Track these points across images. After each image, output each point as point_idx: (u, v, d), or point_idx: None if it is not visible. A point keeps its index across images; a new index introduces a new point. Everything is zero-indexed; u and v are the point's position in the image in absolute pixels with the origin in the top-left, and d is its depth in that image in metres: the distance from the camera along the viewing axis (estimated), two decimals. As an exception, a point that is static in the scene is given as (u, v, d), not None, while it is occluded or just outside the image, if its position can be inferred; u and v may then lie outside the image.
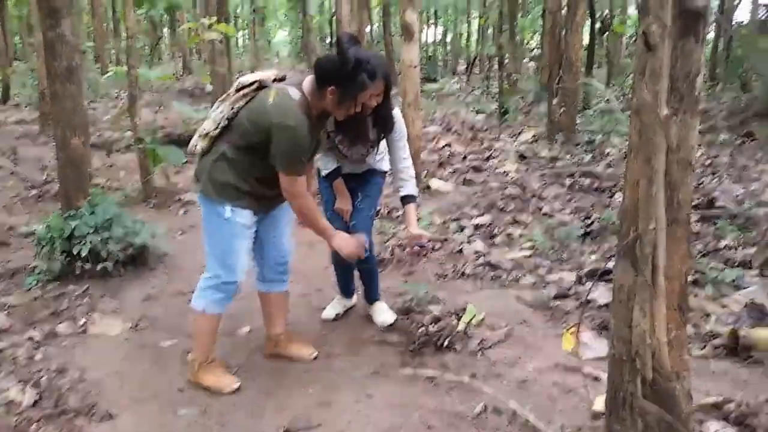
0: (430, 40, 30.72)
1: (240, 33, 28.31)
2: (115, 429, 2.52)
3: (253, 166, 2.60)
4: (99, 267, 3.85)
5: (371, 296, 3.51)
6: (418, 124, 5.96)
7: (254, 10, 20.60)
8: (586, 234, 4.71)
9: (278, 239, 2.93)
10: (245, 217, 2.67)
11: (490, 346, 3.15)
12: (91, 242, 3.81)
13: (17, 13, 20.82)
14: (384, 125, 2.97)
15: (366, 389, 2.80)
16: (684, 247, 2.04)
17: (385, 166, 3.31)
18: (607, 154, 7.75)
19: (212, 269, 2.70)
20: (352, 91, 2.49)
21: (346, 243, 2.74)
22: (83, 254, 3.78)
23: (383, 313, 3.45)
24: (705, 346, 3.11)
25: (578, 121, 8.75)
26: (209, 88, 11.80)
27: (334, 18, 15.10)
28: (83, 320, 3.37)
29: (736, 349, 3.07)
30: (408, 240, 3.17)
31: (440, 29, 31.23)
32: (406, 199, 3.16)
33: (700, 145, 8.20)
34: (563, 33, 8.17)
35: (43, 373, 2.85)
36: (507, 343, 3.21)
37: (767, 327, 3.22)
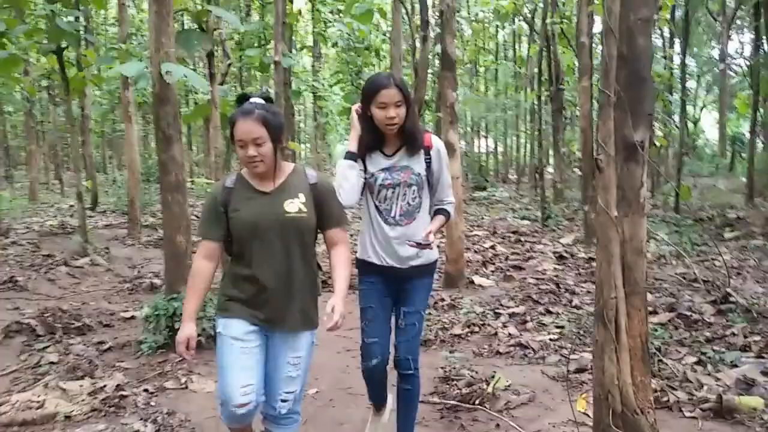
0: (483, 150, 32.18)
1: (304, 146, 30.37)
2: (214, 455, 3.29)
3: (231, 255, 2.63)
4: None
5: (404, 429, 3.05)
6: (461, 226, 6.80)
7: (316, 126, 22.40)
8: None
9: (273, 375, 2.58)
10: (236, 327, 2.51)
11: (514, 407, 3.81)
12: (189, 320, 4.70)
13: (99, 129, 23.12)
14: (410, 139, 2.82)
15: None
16: (642, 312, 2.76)
17: (434, 252, 2.94)
18: (641, 256, 8.38)
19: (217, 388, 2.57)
20: (364, 106, 2.77)
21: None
22: (183, 329, 4.66)
23: None
24: (695, 409, 3.71)
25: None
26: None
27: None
28: (184, 379, 4.20)
29: (722, 412, 3.66)
30: (423, 237, 2.78)
31: (491, 141, 32.72)
32: (438, 211, 2.95)
33: (730, 249, 8.76)
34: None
35: (157, 415, 3.66)
36: (529, 405, 3.86)
37: (752, 396, 3.81)
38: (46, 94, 20.51)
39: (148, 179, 15.37)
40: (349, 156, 2.85)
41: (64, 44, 8.24)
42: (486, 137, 31.69)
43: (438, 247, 3.01)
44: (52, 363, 4.57)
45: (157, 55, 4.81)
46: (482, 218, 12.64)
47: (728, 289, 5.86)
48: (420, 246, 2.78)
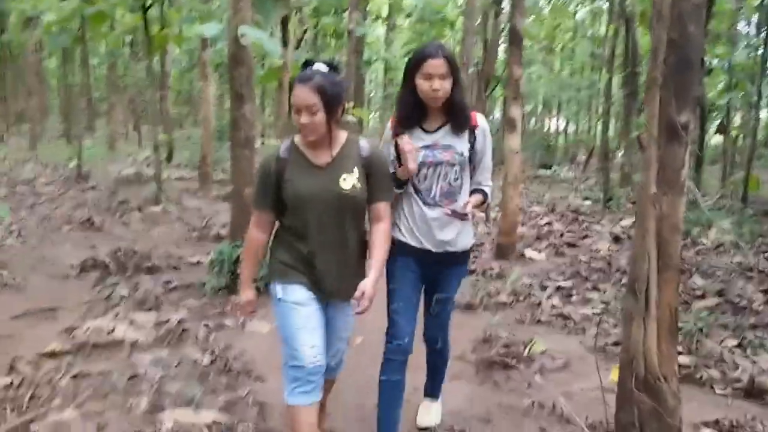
0: (552, 129, 31.75)
1: (373, 114, 30.60)
2: (264, 386, 3.59)
3: (282, 223, 2.64)
4: (254, 284, 5.03)
5: (430, 390, 3.27)
6: (516, 200, 6.91)
7: (386, 97, 22.57)
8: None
9: (328, 335, 2.67)
10: (297, 293, 2.53)
11: (548, 371, 3.98)
12: (249, 266, 5.03)
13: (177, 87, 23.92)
14: (456, 116, 2.71)
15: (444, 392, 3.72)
16: (673, 286, 2.87)
17: (469, 238, 2.87)
18: (701, 243, 8.30)
19: (284, 356, 2.55)
20: (409, 77, 2.66)
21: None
22: (243, 274, 5.00)
23: (431, 413, 3.25)
24: (726, 387, 3.79)
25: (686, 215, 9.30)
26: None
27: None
28: (242, 319, 4.53)
29: (752, 392, 3.73)
30: (462, 206, 2.71)
31: (563, 120, 32.23)
32: (476, 191, 2.82)
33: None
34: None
35: (215, 347, 4.00)
36: (563, 370, 4.02)
37: (788, 381, 3.86)
38: (128, 50, 21.39)
39: (221, 137, 15.86)
40: (397, 185, 2.72)
41: (149, 2, 8.65)
42: (557, 117, 31.27)
43: (481, 225, 3.00)
44: (123, 296, 4.99)
45: (235, 17, 5.09)
46: (543, 196, 12.62)
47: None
48: (456, 215, 2.68)
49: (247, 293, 2.69)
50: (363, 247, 2.67)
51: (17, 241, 6.61)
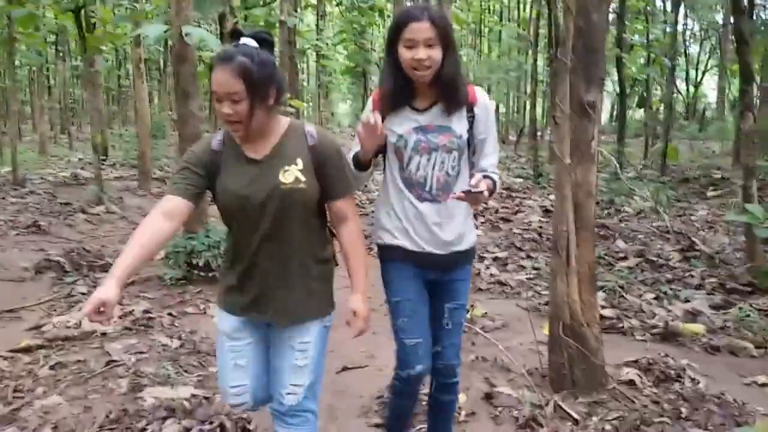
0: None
1: (306, 104, 30.69)
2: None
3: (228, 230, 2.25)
4: (210, 274, 5.30)
5: None
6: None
7: (319, 85, 22.75)
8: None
9: (276, 364, 2.22)
10: (226, 322, 2.21)
11: (489, 330, 4.40)
12: (205, 256, 5.28)
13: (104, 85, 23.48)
14: (448, 91, 2.24)
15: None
16: (590, 243, 3.32)
17: (473, 231, 2.47)
18: (624, 211, 8.94)
19: None
20: (390, 45, 2.24)
21: None
22: (200, 264, 5.25)
23: None
24: (645, 334, 4.30)
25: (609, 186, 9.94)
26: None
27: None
28: (203, 306, 4.80)
29: (667, 335, 4.25)
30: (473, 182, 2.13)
31: (493, 102, 33.04)
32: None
33: (710, 207, 9.31)
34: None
35: (181, 333, 4.26)
36: (502, 329, 4.46)
37: (696, 324, 4.40)
38: (51, 50, 20.86)
39: (154, 135, 15.79)
40: (357, 165, 2.33)
41: (81, 3, 8.66)
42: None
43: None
44: (82, 293, 5.17)
45: (178, 18, 5.29)
46: (478, 176, 13.20)
47: (694, 239, 6.42)
48: (468, 195, 2.13)
49: (103, 288, 1.82)
50: (321, 261, 2.21)
51: (-37, 249, 6.62)
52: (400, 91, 2.28)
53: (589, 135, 3.19)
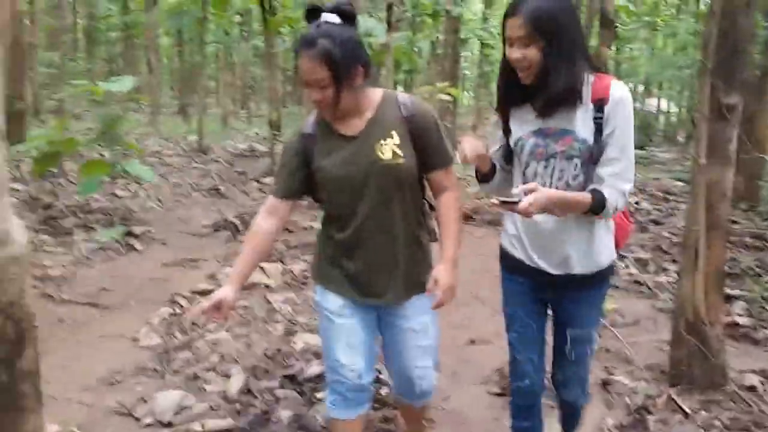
0: (653, 109, 30.98)
1: (466, 93, 30.91)
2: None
3: (324, 212, 2.24)
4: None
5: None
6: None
7: (480, 75, 22.89)
8: (727, 275, 5.77)
9: (397, 350, 2.26)
10: (332, 301, 2.18)
11: (618, 325, 4.52)
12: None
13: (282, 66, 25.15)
14: (552, 92, 1.92)
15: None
16: (720, 244, 3.38)
17: (605, 252, 2.12)
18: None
19: (325, 366, 2.34)
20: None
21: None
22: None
23: None
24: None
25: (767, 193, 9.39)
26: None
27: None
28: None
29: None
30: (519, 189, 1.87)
31: (664, 100, 31.36)
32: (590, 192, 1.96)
33: None
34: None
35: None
36: (631, 326, 4.54)
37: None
38: (238, 31, 22.71)
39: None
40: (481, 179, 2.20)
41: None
42: (659, 96, 30.48)
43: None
44: (252, 251, 5.87)
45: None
46: (636, 176, 12.79)
47: None
48: (505, 205, 1.87)
49: (224, 290, 2.06)
50: (421, 239, 2.20)
51: (157, 204, 7.67)
52: (509, 89, 2.05)
53: (727, 137, 3.24)
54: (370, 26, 5.67)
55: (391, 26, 8.60)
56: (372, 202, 2.05)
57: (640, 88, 30.75)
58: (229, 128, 18.03)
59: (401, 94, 2.12)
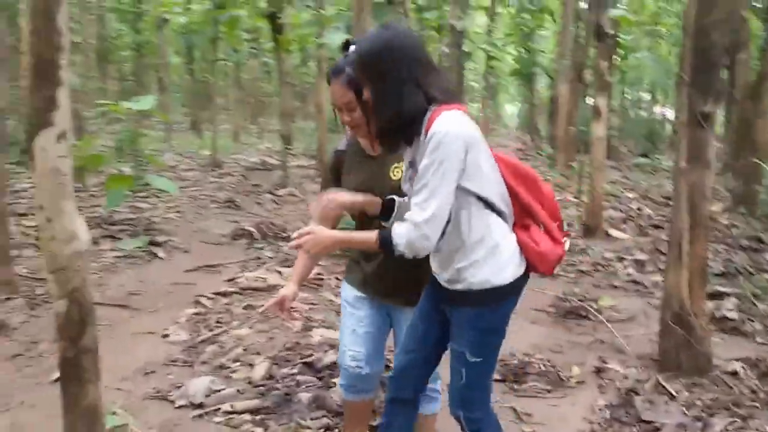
0: (658, 116, 31.21)
1: (472, 105, 31.29)
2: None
3: None
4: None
5: None
6: (601, 184, 7.65)
7: (486, 87, 23.25)
8: (722, 274, 6.06)
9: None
10: (348, 291, 2.50)
11: (614, 321, 4.80)
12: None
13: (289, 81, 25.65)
14: (387, 133, 2.06)
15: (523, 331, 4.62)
16: (703, 241, 3.68)
17: (481, 272, 2.05)
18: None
19: None
20: None
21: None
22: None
23: None
24: None
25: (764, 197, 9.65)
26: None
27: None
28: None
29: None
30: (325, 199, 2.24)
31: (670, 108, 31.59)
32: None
33: None
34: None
35: (344, 294, 5.11)
36: (627, 321, 4.83)
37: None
38: (247, 48, 23.20)
39: (333, 130, 17.19)
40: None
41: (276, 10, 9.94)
42: (664, 104, 30.74)
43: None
44: (269, 257, 6.21)
45: (358, 24, 6.15)
46: (639, 183, 13.06)
47: None
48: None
49: (285, 289, 2.40)
50: None
51: (177, 216, 8.02)
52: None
53: (705, 143, 3.55)
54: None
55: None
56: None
57: (647, 96, 31.00)
58: (241, 143, 18.42)
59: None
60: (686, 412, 3.26)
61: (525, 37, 17.74)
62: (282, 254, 6.27)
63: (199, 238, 7.09)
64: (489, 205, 2.03)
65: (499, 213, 2.07)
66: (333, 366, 3.58)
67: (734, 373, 3.70)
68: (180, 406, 3.26)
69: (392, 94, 1.96)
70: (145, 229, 6.90)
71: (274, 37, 10.73)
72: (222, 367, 3.72)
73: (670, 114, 30.68)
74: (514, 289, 2.12)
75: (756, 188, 9.30)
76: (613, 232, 7.86)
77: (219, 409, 3.21)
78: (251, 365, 3.69)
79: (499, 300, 2.10)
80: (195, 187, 10.17)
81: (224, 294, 5.02)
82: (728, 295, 5.23)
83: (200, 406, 3.24)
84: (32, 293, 4.83)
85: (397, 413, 2.34)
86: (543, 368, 3.86)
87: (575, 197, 10.07)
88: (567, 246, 2.18)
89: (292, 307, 2.42)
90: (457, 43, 14.73)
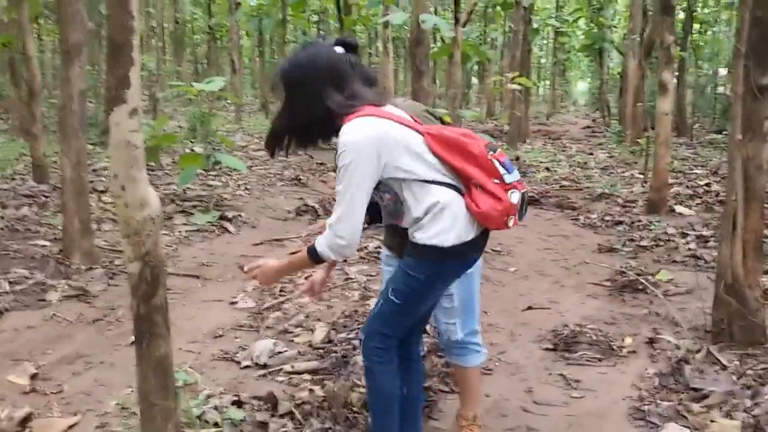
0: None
1: (542, 82, 30.78)
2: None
3: None
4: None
5: None
6: (665, 159, 7.53)
7: (555, 63, 22.86)
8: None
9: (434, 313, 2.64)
10: (383, 251, 2.75)
11: (671, 294, 4.81)
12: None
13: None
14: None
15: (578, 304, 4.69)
16: (758, 214, 3.66)
17: (425, 234, 2.17)
18: None
19: None
20: None
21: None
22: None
23: None
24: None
25: None
26: (506, 128, 14.19)
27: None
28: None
29: None
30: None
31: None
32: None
33: None
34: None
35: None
36: (684, 295, 4.82)
37: None
38: (315, 30, 23.56)
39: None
40: None
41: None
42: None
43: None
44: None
45: (417, 7, 6.27)
46: (710, 160, 12.68)
47: None
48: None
49: (317, 273, 2.72)
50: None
51: (245, 192, 8.38)
52: None
53: (761, 115, 3.52)
54: (436, 22, 6.11)
55: (458, 21, 9.02)
56: None
57: (723, 71, 29.73)
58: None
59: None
60: (736, 381, 3.29)
61: (595, 11, 17.32)
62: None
63: (266, 214, 7.41)
64: (429, 182, 2.16)
65: (443, 184, 2.18)
66: (388, 331, 3.76)
67: (790, 346, 3.69)
68: (245, 367, 3.52)
69: (300, 109, 2.20)
70: (216, 204, 7.25)
71: (340, 17, 10.93)
72: (285, 331, 3.96)
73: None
74: (457, 254, 2.19)
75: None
76: (679, 209, 7.73)
77: (281, 369, 3.44)
78: (312, 330, 3.92)
79: (438, 259, 2.18)
80: (263, 165, 10.54)
81: (288, 265, 5.26)
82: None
83: (264, 366, 3.48)
84: (111, 264, 5.21)
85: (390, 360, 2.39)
86: (595, 338, 3.94)
87: (641, 173, 9.92)
88: (515, 198, 2.18)
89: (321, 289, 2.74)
90: (525, 19, 14.57)
